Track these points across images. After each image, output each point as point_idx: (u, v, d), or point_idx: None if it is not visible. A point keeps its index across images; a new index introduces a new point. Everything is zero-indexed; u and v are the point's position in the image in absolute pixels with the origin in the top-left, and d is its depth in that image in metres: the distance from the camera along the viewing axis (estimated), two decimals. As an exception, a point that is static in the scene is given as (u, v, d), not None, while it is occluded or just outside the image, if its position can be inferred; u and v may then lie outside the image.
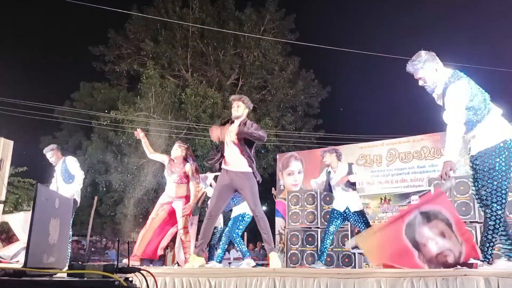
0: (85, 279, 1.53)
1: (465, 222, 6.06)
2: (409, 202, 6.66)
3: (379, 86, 22.14)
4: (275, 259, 4.14)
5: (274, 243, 8.65)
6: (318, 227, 7.50)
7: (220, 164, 4.38)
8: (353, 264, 6.86)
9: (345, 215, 5.54)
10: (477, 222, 5.94)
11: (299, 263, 7.42)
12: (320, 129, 19.16)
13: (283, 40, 17.83)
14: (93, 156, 16.82)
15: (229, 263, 10.73)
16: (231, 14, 18.47)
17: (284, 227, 8.19)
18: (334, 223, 5.56)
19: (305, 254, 7.45)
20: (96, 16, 17.60)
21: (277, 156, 12.47)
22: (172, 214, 5.11)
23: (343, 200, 5.54)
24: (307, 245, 7.47)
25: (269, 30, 18.58)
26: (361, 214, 5.46)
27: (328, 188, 5.74)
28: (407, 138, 9.48)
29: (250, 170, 4.23)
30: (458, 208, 6.26)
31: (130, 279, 1.68)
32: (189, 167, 5.18)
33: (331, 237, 5.58)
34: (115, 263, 1.65)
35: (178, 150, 5.25)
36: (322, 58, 18.92)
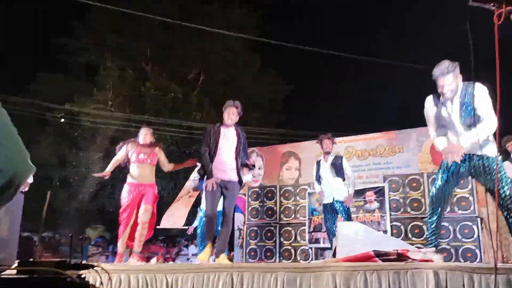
0: (36, 276, 1.48)
1: (416, 217, 6.34)
2: (365, 198, 6.84)
3: (341, 85, 22.65)
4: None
5: (233, 239, 8.68)
6: (277, 223, 7.58)
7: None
8: (310, 258, 6.99)
9: (333, 206, 5.69)
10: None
11: (257, 258, 7.47)
12: (283, 126, 19.32)
13: (249, 36, 17.81)
14: (48, 150, 16.20)
15: (188, 259, 10.66)
16: (196, 7, 18.25)
17: (244, 222, 8.21)
18: (329, 220, 5.70)
19: (264, 249, 7.51)
20: (57, 6, 16.86)
21: (238, 152, 12.46)
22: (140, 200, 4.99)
23: (329, 191, 5.69)
24: (266, 240, 7.54)
25: (234, 25, 18.50)
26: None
27: (318, 178, 5.88)
28: (364, 136, 9.71)
29: (237, 177, 4.41)
30: (410, 204, 6.52)
31: (83, 275, 1.64)
32: (159, 151, 5.18)
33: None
34: (68, 259, 1.61)
35: (147, 134, 5.18)
36: (286, 55, 19.08)
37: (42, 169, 15.23)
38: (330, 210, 5.77)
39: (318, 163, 6.01)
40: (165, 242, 13.74)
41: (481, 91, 3.30)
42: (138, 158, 5.00)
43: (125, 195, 4.95)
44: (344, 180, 5.76)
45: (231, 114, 4.42)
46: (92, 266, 1.74)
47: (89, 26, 17.85)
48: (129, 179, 5.02)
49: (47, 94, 17.64)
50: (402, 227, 6.45)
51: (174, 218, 9.76)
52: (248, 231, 7.76)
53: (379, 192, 6.74)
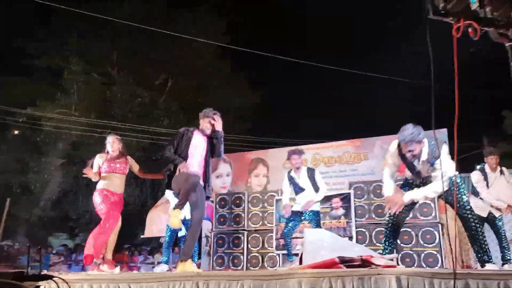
0: (-10, 288, 1.42)
1: (381, 223, 6.48)
2: (331, 204, 6.93)
3: (310, 94, 22.98)
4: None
5: (200, 247, 8.60)
6: (245, 230, 7.56)
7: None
8: (277, 265, 7.01)
9: (301, 214, 5.78)
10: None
11: (225, 265, 7.43)
12: (250, 132, 19.37)
13: (217, 43, 17.79)
14: (8, 155, 15.61)
15: (153, 267, 10.47)
16: (163, 11, 18.09)
17: (211, 230, 8.15)
18: (290, 225, 5.76)
19: (231, 256, 7.48)
20: (19, 8, 16.33)
21: (206, 159, 12.38)
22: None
23: (303, 202, 5.76)
24: (234, 248, 7.51)
25: (202, 30, 18.45)
26: (317, 213, 5.81)
27: (298, 190, 5.93)
28: (330, 143, 9.87)
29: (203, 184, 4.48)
30: (374, 210, 6.65)
31: (41, 287, 1.58)
32: (131, 160, 5.13)
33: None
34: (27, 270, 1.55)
35: (115, 142, 5.08)
36: (255, 63, 19.14)
37: (1, 176, 14.68)
38: (296, 217, 5.86)
39: (291, 177, 6.05)
40: (130, 251, 13.45)
41: (445, 153, 3.57)
42: (110, 167, 4.94)
43: (100, 201, 4.89)
44: (317, 191, 5.86)
45: (209, 123, 4.47)
46: (51, 277, 1.69)
47: (52, 29, 17.36)
48: (100, 185, 4.96)
49: (7, 98, 17.02)
50: (367, 233, 6.57)
51: (157, 226, 9.61)
52: (215, 239, 7.70)
53: (345, 198, 6.85)
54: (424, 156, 3.65)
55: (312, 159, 9.53)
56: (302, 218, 5.88)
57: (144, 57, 17.99)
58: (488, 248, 3.68)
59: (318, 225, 5.73)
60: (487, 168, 5.51)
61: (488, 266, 3.56)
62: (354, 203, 6.76)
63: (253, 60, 18.66)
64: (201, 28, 18.36)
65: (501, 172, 5.48)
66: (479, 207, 5.21)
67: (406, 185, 3.95)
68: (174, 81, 18.42)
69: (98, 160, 5.05)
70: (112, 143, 5.08)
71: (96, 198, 4.92)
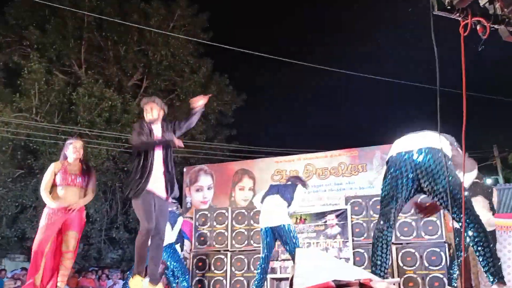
0: None
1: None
2: (325, 222, 6.94)
3: (300, 97, 23.00)
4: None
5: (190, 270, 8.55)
6: (228, 250, 7.51)
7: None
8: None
9: (274, 232, 5.67)
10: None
11: (205, 291, 7.36)
12: (233, 141, 19.36)
13: (195, 39, 17.81)
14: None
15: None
16: (135, 5, 18.07)
17: (190, 250, 8.09)
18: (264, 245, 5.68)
19: (213, 280, 7.41)
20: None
21: (184, 170, 12.35)
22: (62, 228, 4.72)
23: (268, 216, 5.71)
24: (215, 271, 7.45)
25: (179, 27, 18.47)
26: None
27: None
28: (324, 153, 9.92)
29: (165, 193, 4.42)
30: (373, 229, 6.66)
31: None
32: (92, 170, 4.97)
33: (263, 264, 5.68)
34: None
35: (77, 148, 4.92)
36: (238, 62, 19.26)
37: None
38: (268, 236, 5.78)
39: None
40: (97, 274, 13.26)
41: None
42: (66, 180, 4.74)
43: (44, 221, 4.64)
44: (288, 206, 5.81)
45: (150, 110, 4.50)
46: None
47: (7, 21, 17.17)
48: (52, 204, 4.68)
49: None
50: (365, 254, 6.57)
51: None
52: (194, 260, 7.63)
53: (341, 215, 6.86)
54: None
55: (304, 170, 9.55)
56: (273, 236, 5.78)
57: (114, 56, 17.91)
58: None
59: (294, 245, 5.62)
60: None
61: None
62: (351, 221, 6.77)
63: (237, 59, 18.81)
64: (177, 23, 18.37)
65: None
66: (490, 224, 5.30)
67: None
68: (149, 82, 18.36)
69: (54, 169, 4.79)
70: (74, 150, 4.85)
71: (42, 216, 4.69)
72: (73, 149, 4.89)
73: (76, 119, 15.73)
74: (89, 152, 15.08)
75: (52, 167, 4.80)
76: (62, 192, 4.71)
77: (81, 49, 17.47)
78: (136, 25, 16.46)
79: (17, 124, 14.54)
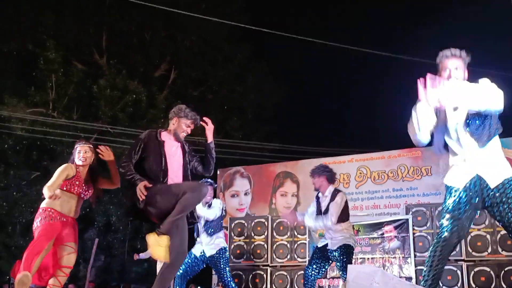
0: None
1: (449, 259, 6.36)
2: (382, 234, 6.85)
3: (353, 88, 22.69)
4: None
5: (210, 286, 8.60)
6: (268, 265, 7.53)
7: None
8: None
9: (326, 252, 5.49)
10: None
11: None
12: (274, 138, 19.35)
13: (230, 22, 17.89)
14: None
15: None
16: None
17: (224, 264, 8.16)
18: (314, 264, 5.48)
19: (250, 300, 7.46)
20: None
21: (218, 172, 12.44)
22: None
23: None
24: (253, 289, 7.49)
25: (212, 9, 18.59)
26: (344, 250, 5.37)
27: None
28: (381, 154, 9.78)
29: None
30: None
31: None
32: (97, 182, 5.07)
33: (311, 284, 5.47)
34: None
35: (85, 153, 5.02)
36: (280, 49, 19.13)
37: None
38: (320, 255, 5.58)
39: (318, 197, 5.82)
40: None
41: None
42: (71, 188, 4.84)
43: (42, 220, 4.68)
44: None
45: (186, 127, 4.38)
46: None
47: (20, 5, 17.68)
48: (50, 203, 4.77)
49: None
50: (430, 272, 6.46)
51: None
52: (229, 276, 7.69)
53: (401, 226, 6.76)
54: None
55: (356, 174, 9.46)
56: (329, 255, 5.58)
57: (139, 41, 18.20)
58: None
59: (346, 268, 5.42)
60: None
61: None
62: (413, 233, 6.66)
63: (279, 45, 18.74)
64: (212, 4, 18.49)
65: None
66: None
67: None
68: (177, 73, 18.57)
69: (70, 171, 4.89)
70: (78, 155, 4.94)
71: (38, 215, 4.81)
72: (77, 155, 4.99)
73: (97, 115, 16.09)
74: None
75: (66, 170, 4.88)
76: (65, 197, 4.82)
77: (102, 35, 17.83)
78: (163, 7, 16.69)
79: (32, 120, 15.00)
